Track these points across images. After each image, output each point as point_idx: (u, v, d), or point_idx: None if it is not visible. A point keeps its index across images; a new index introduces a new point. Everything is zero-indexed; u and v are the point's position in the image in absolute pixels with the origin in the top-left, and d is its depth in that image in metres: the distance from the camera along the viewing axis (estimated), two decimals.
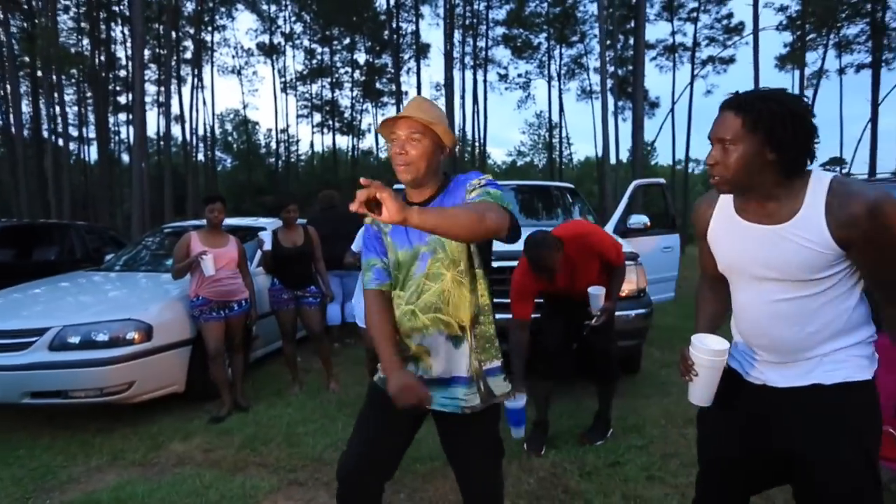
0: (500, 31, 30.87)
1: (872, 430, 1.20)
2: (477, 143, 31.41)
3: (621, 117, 26.28)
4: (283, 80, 32.85)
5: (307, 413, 3.44)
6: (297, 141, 36.49)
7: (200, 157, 30.20)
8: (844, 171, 29.28)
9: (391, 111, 40.36)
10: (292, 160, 35.91)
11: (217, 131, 33.61)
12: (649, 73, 17.15)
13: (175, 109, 26.14)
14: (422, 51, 28.48)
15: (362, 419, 1.49)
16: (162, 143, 24.42)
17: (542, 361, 2.87)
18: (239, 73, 32.80)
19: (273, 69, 31.92)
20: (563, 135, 33.73)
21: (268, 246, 3.76)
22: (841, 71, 28.50)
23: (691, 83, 28.60)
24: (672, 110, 28.21)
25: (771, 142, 1.11)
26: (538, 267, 2.52)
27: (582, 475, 2.55)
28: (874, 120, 24.94)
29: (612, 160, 16.43)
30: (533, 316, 2.75)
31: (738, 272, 1.29)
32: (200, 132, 29.74)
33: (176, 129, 30.68)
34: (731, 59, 29.75)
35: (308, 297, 3.89)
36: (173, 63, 23.52)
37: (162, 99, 23.58)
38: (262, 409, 3.51)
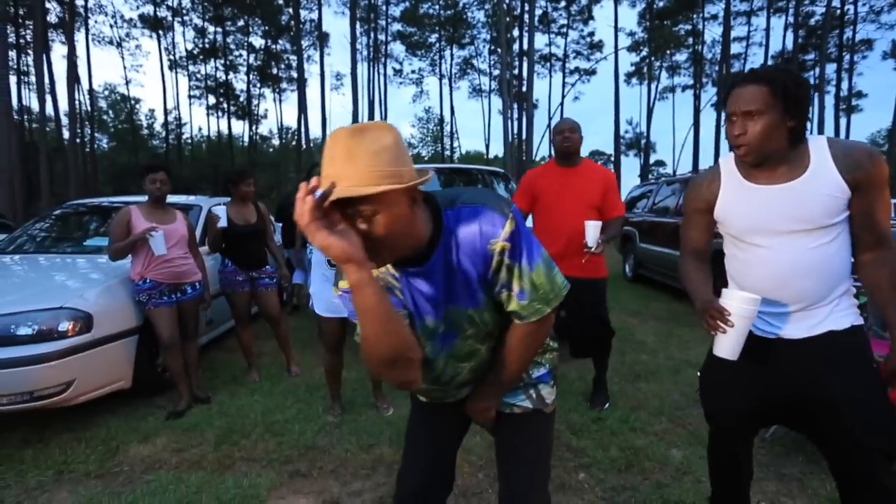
0: (397, 27, 30.15)
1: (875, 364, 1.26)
2: None
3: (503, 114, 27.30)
4: (170, 57, 28.82)
5: (277, 399, 2.98)
6: (185, 124, 32.12)
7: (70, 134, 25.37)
8: (667, 170, 33.69)
9: (292, 98, 37.24)
10: (184, 142, 31.84)
11: (91, 108, 28.46)
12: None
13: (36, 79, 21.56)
14: (322, 39, 26.69)
15: (414, 432, 1.25)
16: (26, 116, 19.97)
17: (570, 344, 2.86)
18: (119, 45, 28.10)
19: (159, 45, 27.81)
20: (453, 129, 34.15)
21: (223, 223, 3.16)
22: (671, 89, 32.54)
23: (563, 90, 30.62)
24: (550, 114, 30.06)
25: (792, 109, 1.15)
26: (566, 128, 2.57)
27: (574, 433, 2.51)
28: (696, 129, 28.93)
29: (499, 152, 17.22)
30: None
31: (761, 231, 1.25)
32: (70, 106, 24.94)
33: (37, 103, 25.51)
34: (594, 72, 32.37)
35: (264, 278, 3.35)
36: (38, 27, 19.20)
37: (23, 67, 19.31)
38: (225, 400, 2.97)
